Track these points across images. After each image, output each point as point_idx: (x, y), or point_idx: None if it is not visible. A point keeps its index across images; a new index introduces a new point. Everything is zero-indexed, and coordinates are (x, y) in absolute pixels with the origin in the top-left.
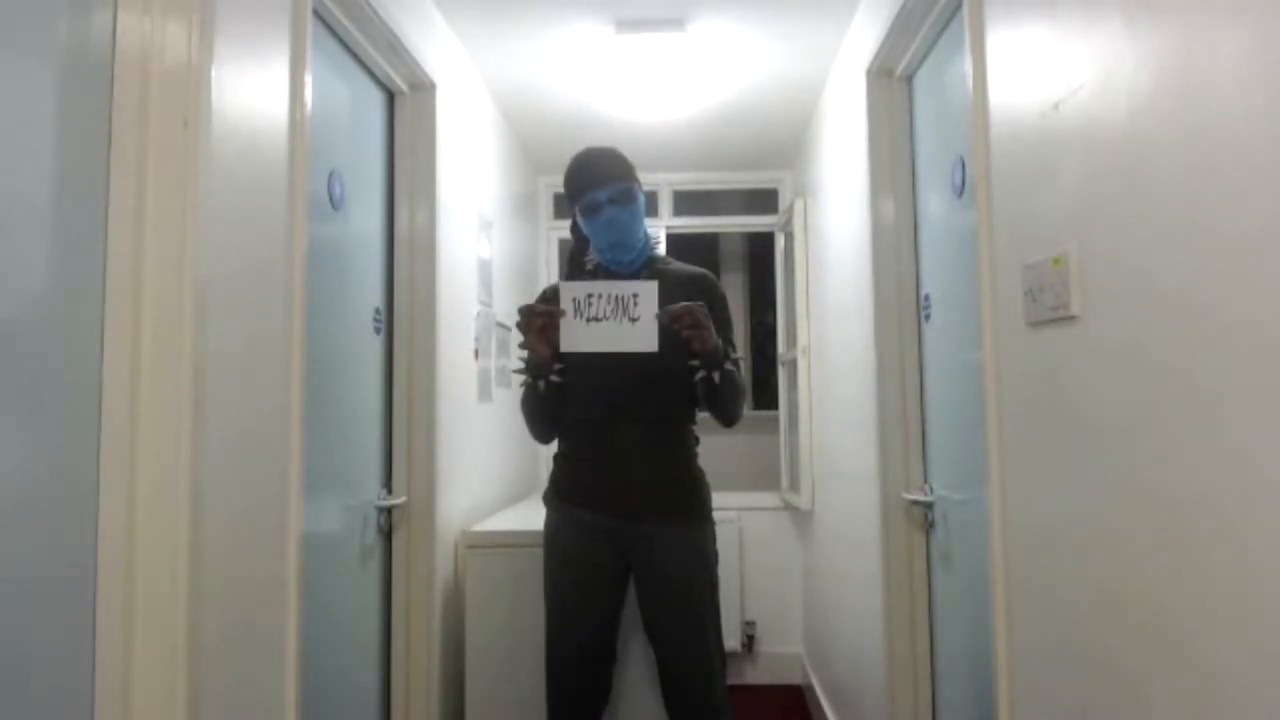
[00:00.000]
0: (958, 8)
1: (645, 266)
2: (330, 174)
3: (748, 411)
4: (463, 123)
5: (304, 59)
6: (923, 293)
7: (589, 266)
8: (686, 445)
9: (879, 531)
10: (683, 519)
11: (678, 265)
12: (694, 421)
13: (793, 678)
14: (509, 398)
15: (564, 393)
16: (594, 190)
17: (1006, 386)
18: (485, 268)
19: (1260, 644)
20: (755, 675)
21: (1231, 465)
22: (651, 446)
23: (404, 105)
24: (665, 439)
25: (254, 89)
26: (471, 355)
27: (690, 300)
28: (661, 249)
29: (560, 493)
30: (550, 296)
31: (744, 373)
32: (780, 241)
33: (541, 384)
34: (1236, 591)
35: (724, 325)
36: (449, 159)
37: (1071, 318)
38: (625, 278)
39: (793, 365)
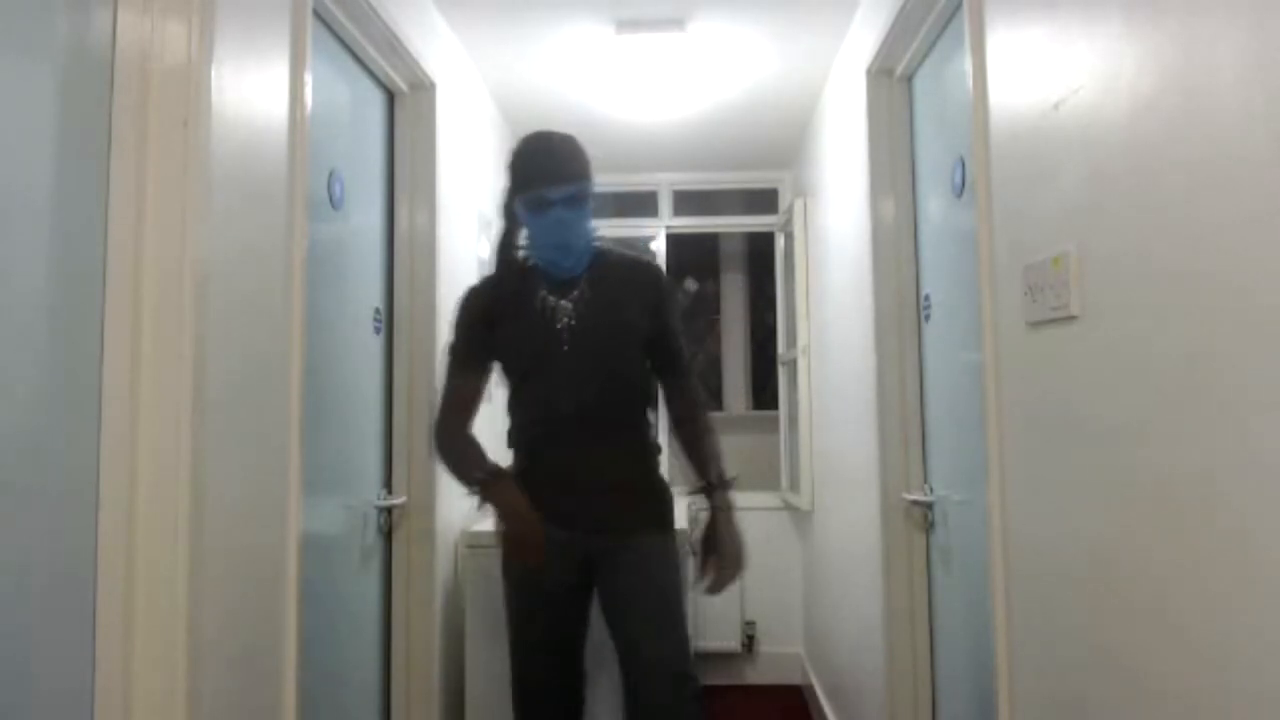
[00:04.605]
0: (958, 8)
1: (588, 269)
2: (330, 174)
3: (748, 411)
4: (463, 123)
5: (304, 59)
6: (923, 293)
7: (520, 263)
8: (649, 453)
9: (879, 531)
10: (649, 531)
11: (619, 254)
12: (653, 425)
13: (793, 678)
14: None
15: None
16: (546, 186)
17: (1006, 386)
18: (485, 268)
19: (1262, 643)
20: (755, 675)
21: (1232, 464)
22: (614, 457)
23: (404, 105)
24: (627, 447)
25: (254, 89)
26: None
27: (632, 294)
28: (659, 248)
29: None
30: (472, 303)
31: (714, 372)
32: (780, 241)
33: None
34: (1238, 590)
35: (672, 327)
36: (449, 159)
37: (1071, 318)
38: (563, 281)
39: (793, 365)
